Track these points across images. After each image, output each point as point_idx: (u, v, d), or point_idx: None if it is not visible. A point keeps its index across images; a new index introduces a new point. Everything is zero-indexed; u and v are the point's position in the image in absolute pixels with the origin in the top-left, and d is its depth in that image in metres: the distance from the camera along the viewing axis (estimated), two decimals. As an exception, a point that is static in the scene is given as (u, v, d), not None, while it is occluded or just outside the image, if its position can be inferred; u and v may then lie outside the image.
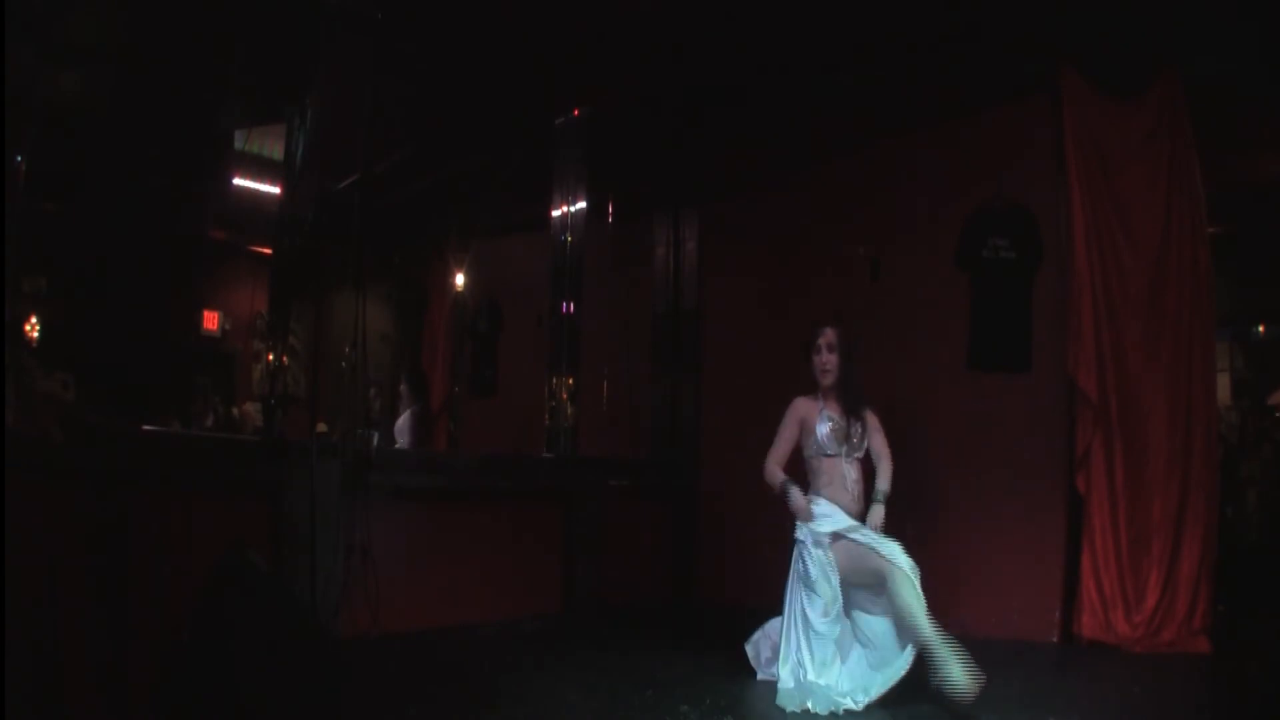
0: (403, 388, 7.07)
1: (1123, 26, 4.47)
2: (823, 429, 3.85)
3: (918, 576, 3.43)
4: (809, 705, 3.26)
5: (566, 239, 5.87)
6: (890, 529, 3.76)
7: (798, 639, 3.57)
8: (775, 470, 3.89)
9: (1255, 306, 7.83)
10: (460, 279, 8.01)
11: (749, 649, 3.92)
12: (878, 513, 3.76)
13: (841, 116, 5.58)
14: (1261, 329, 8.22)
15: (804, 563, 3.66)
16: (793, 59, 5.04)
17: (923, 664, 3.34)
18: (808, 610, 3.58)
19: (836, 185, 5.87)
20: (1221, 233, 5.33)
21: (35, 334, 6.26)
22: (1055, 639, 4.61)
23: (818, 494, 3.82)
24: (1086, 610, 4.52)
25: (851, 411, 3.88)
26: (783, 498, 3.80)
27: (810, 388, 4.01)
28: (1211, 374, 4.70)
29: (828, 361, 3.93)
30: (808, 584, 3.62)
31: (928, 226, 5.32)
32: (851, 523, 3.70)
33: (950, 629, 3.38)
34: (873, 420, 3.95)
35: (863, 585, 3.60)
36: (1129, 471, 4.57)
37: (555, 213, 5.92)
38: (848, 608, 3.65)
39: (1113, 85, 4.77)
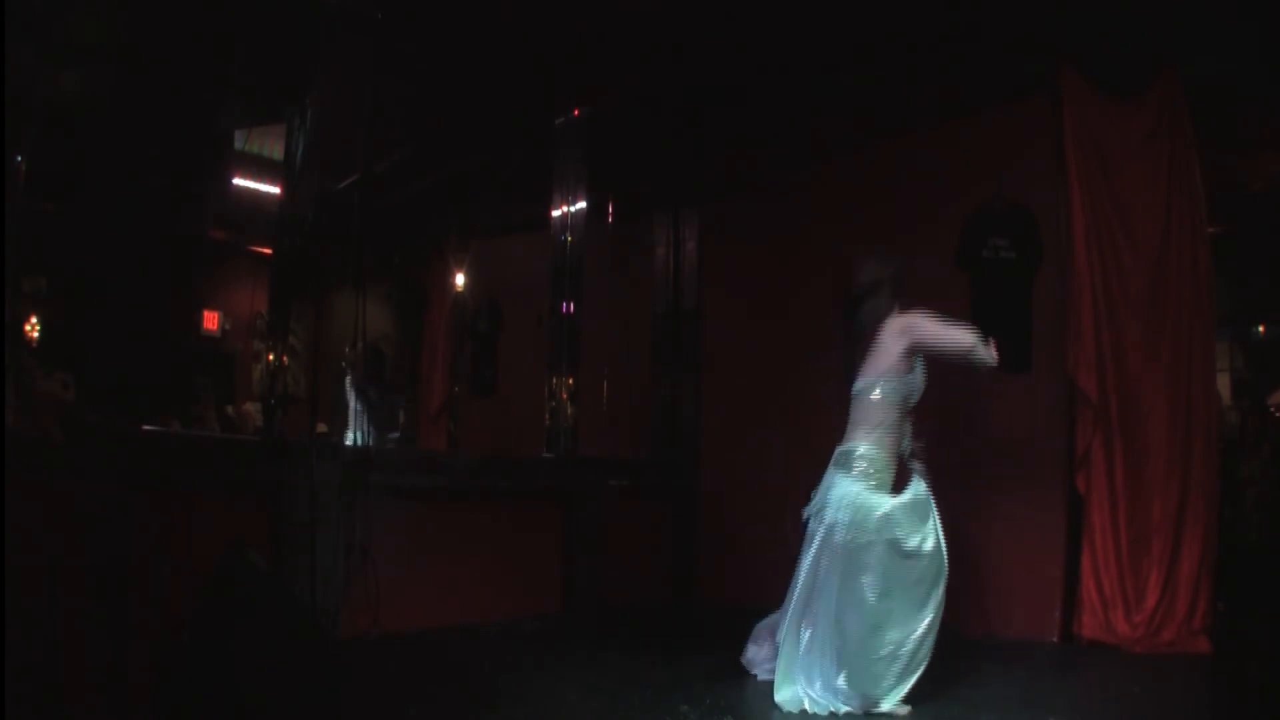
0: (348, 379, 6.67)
1: (1123, 26, 4.47)
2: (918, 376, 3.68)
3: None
4: (805, 706, 3.25)
5: (566, 239, 5.87)
6: None
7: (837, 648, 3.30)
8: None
9: (1255, 306, 7.83)
10: (460, 279, 8.01)
11: (749, 650, 3.85)
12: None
13: (841, 116, 5.58)
14: (1261, 329, 8.22)
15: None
16: (793, 59, 5.04)
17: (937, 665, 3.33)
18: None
19: (836, 185, 5.87)
20: (1221, 233, 5.34)
21: (35, 334, 6.27)
22: (1055, 639, 4.61)
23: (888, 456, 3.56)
24: (1086, 610, 4.52)
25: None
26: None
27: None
28: (1211, 374, 4.70)
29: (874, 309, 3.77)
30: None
31: (928, 226, 5.32)
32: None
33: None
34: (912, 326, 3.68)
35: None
36: (1129, 471, 4.57)
37: (555, 213, 5.92)
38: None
39: (1113, 85, 4.77)
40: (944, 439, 5.10)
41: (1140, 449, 4.59)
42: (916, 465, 3.57)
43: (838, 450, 3.59)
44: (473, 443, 7.71)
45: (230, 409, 8.20)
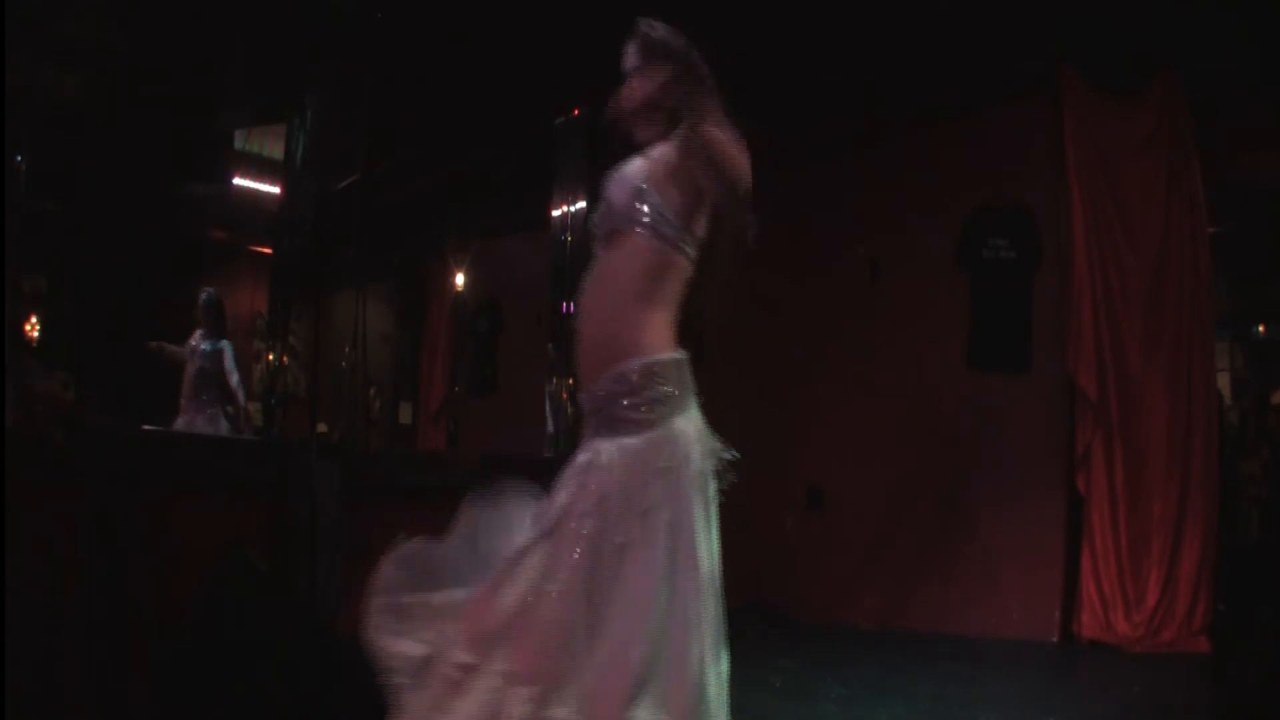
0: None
1: (1123, 26, 4.47)
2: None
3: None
4: None
5: (566, 239, 5.86)
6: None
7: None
8: None
9: (1255, 306, 7.82)
10: (460, 279, 8.01)
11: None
12: None
13: (841, 117, 5.58)
14: (1261, 329, 8.21)
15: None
16: (792, 60, 5.04)
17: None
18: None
19: (835, 185, 5.87)
20: (1221, 233, 5.34)
21: (35, 334, 6.26)
22: (1055, 639, 4.62)
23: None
24: (1086, 610, 4.53)
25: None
26: None
27: None
28: (1211, 374, 4.71)
29: (633, 91, 2.08)
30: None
31: (928, 226, 5.32)
32: None
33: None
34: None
35: None
36: (1129, 471, 4.58)
37: (555, 213, 5.92)
38: None
39: (1113, 85, 4.77)
40: (944, 439, 5.12)
41: (1140, 449, 4.59)
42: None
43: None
44: (473, 443, 7.71)
45: (230, 409, 8.19)
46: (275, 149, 5.75)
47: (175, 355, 5.54)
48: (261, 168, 6.23)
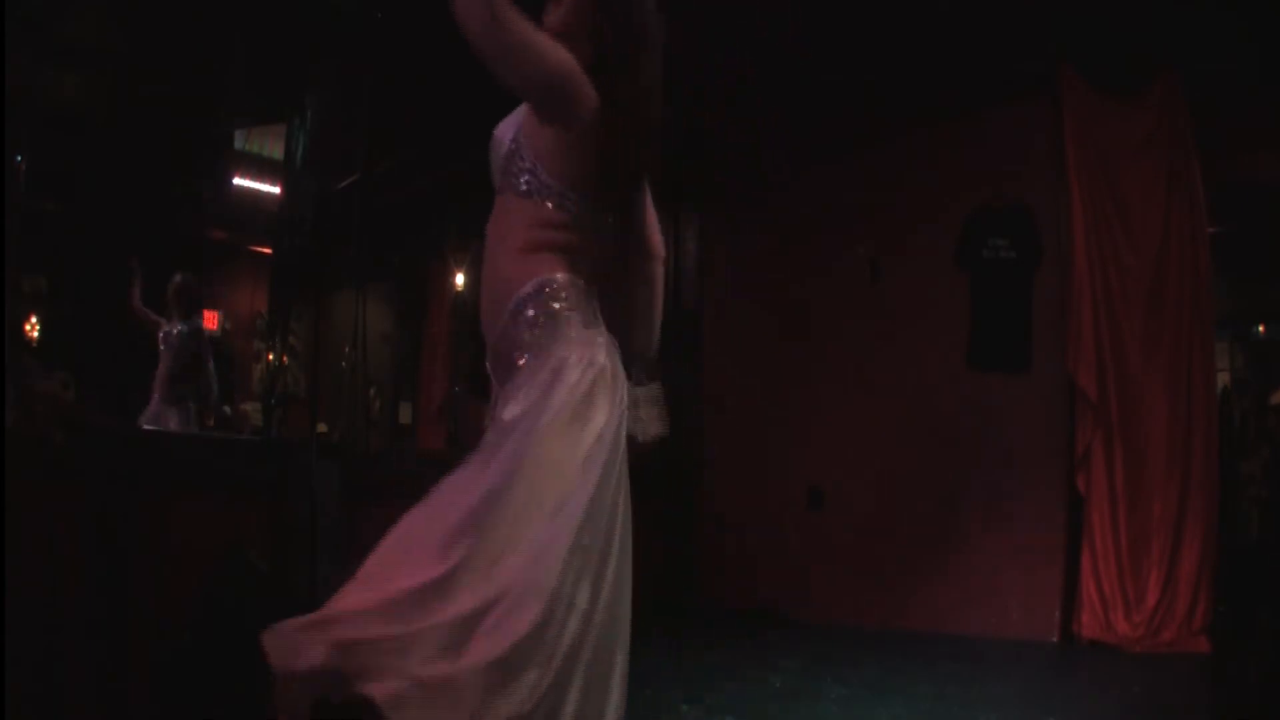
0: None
1: (1123, 26, 4.47)
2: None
3: None
4: None
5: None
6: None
7: None
8: None
9: (1255, 306, 7.82)
10: (460, 279, 8.00)
11: None
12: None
13: (840, 117, 5.58)
14: (1261, 329, 8.21)
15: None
16: (792, 60, 5.04)
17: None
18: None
19: (837, 185, 5.87)
20: (1221, 233, 5.34)
21: (35, 334, 6.26)
22: (1055, 639, 4.62)
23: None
24: (1086, 610, 4.53)
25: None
26: None
27: None
28: (1211, 374, 4.71)
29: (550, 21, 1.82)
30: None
31: (928, 226, 5.33)
32: None
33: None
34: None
35: None
36: (1129, 471, 4.58)
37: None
38: None
39: (1113, 85, 4.77)
40: (944, 439, 5.12)
41: (1140, 449, 4.59)
42: None
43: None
44: (473, 443, 7.70)
45: (231, 410, 8.20)
46: (275, 149, 5.75)
47: (152, 323, 5.50)
48: (261, 168, 6.23)
